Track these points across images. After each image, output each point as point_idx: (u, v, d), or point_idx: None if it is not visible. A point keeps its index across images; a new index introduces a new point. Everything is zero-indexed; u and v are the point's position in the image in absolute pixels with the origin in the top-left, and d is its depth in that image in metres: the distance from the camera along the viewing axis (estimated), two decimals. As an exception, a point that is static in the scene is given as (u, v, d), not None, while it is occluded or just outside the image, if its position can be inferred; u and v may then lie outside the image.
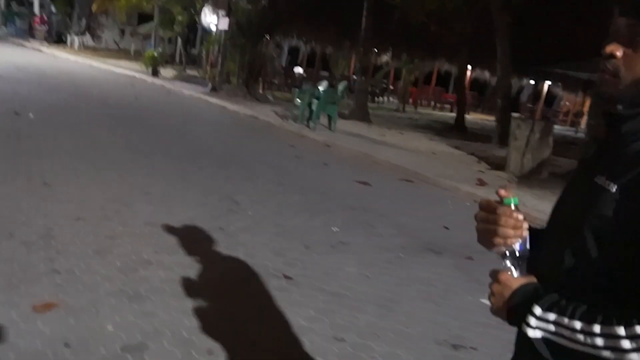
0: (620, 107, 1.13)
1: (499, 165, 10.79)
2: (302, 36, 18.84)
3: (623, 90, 1.11)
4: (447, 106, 25.30)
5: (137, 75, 21.27)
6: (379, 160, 10.19)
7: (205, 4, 21.14)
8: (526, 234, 1.21)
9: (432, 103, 26.05)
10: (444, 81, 28.19)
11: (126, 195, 5.92)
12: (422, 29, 17.82)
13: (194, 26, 28.87)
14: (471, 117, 23.81)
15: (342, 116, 14.03)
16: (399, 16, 16.87)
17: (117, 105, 12.99)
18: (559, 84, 25.37)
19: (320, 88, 12.91)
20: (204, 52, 22.20)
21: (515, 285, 1.17)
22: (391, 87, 25.78)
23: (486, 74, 23.66)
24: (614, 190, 1.08)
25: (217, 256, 4.59)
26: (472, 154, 11.98)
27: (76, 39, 35.31)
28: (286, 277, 4.36)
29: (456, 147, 12.89)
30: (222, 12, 19.87)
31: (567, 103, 30.90)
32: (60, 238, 4.46)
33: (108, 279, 3.84)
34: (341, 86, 13.03)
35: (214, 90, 17.72)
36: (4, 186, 5.64)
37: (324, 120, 12.82)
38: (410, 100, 24.76)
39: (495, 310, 1.21)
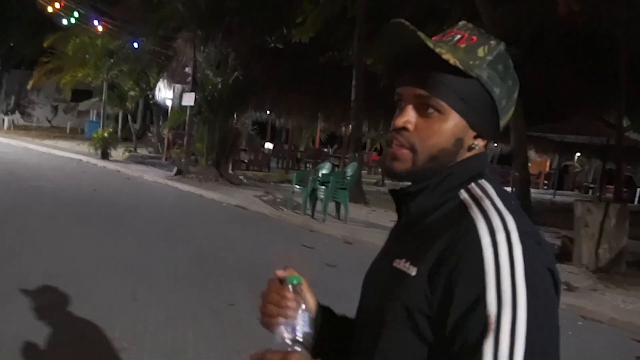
0: (410, 183, 1.06)
1: (559, 256, 9.05)
2: (273, 108, 17.06)
3: (420, 167, 1.02)
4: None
5: (83, 158, 18.78)
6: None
7: (160, 78, 19.22)
8: (304, 316, 1.06)
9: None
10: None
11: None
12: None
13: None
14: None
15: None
16: (384, 84, 15.35)
17: (75, 201, 10.59)
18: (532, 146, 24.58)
19: (324, 171, 11.00)
20: (164, 131, 19.99)
21: None
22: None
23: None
24: (414, 274, 0.96)
25: None
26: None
27: (5, 119, 32.38)
28: None
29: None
30: (180, 87, 18.00)
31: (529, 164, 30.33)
32: None
33: None
34: (351, 168, 11.09)
35: (180, 173, 15.49)
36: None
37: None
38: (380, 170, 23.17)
39: None
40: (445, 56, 0.96)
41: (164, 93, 19.27)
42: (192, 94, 15.13)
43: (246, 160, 18.73)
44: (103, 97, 20.44)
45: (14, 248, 6.71)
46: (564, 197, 23.17)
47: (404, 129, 1.02)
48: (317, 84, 16.92)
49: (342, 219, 10.53)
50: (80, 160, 18.57)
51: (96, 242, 7.49)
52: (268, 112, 19.73)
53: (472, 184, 1.02)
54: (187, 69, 18.06)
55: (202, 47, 15.44)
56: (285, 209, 11.38)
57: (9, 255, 6.34)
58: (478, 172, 1.04)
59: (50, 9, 16.36)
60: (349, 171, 10.84)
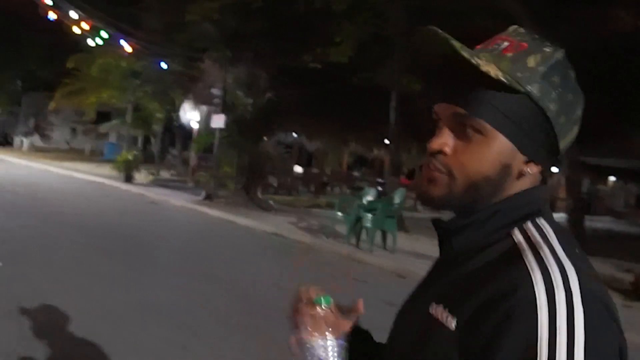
0: (452, 215, 0.93)
1: (631, 293, 8.22)
2: (303, 131, 16.46)
3: (458, 195, 0.88)
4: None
5: (105, 181, 18.22)
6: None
7: (185, 99, 18.70)
8: (332, 343, 1.01)
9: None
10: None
11: None
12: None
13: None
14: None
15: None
16: (423, 105, 14.63)
17: (101, 229, 9.90)
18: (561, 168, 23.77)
19: (369, 197, 10.27)
20: (191, 153, 19.40)
21: None
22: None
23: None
24: (453, 326, 0.81)
25: None
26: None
27: (25, 140, 32.11)
28: None
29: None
30: (206, 108, 17.48)
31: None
32: None
33: None
34: (398, 195, 10.29)
35: (208, 198, 14.82)
36: None
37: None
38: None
39: None
40: (485, 68, 0.82)
41: (189, 115, 18.73)
42: (222, 116, 14.52)
43: (275, 184, 18.02)
44: (127, 119, 19.89)
45: (39, 286, 5.99)
46: (600, 222, 22.21)
47: (441, 152, 0.88)
48: (348, 105, 16.31)
49: (388, 248, 9.74)
50: (103, 183, 18.01)
51: (127, 279, 6.76)
52: (295, 134, 19.15)
53: (529, 224, 0.85)
54: (213, 90, 17.54)
55: (230, 68, 14.86)
56: (325, 237, 10.65)
57: (35, 295, 5.62)
58: (536, 208, 0.87)
59: (77, 30, 15.86)
60: (397, 198, 10.05)
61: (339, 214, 10.27)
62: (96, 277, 6.60)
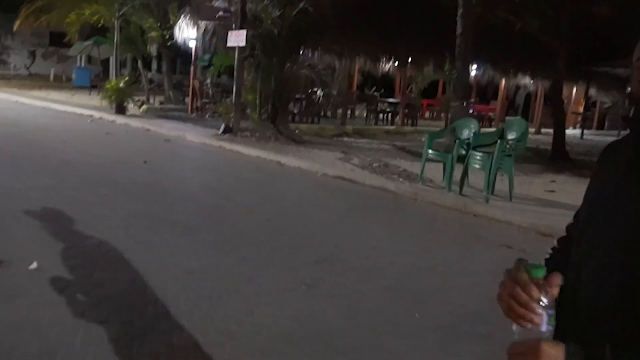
0: None
1: None
2: (341, 50, 14.11)
3: None
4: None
5: (94, 113, 15.69)
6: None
7: (183, 15, 15.99)
8: (547, 313, 0.98)
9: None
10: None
11: None
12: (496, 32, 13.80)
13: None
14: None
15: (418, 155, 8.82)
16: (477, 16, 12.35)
17: (140, 186, 7.62)
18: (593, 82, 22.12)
19: (467, 130, 8.24)
20: (207, 80, 16.70)
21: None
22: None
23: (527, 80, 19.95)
24: None
25: None
26: None
27: (-18, 69, 28.64)
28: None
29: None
30: (205, 24, 14.95)
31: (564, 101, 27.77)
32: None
33: None
34: (515, 128, 8.01)
35: (229, 131, 12.58)
36: None
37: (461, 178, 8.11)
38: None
39: None
40: None
41: (187, 32, 16.06)
42: (243, 32, 12.03)
43: (294, 111, 15.71)
44: (115, 40, 16.91)
45: (116, 281, 3.92)
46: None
47: None
48: (381, 17, 13.99)
49: (499, 195, 7.83)
50: (92, 115, 15.49)
51: (226, 265, 4.73)
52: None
53: None
54: (217, 2, 14.98)
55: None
56: (404, 181, 8.68)
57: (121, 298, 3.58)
58: None
59: None
60: (513, 132, 7.97)
61: (431, 152, 8.24)
62: (185, 273, 4.52)
